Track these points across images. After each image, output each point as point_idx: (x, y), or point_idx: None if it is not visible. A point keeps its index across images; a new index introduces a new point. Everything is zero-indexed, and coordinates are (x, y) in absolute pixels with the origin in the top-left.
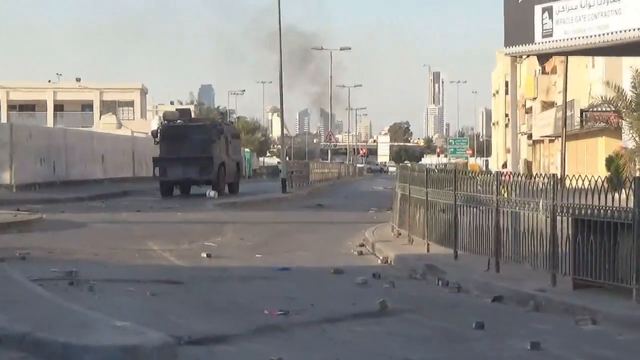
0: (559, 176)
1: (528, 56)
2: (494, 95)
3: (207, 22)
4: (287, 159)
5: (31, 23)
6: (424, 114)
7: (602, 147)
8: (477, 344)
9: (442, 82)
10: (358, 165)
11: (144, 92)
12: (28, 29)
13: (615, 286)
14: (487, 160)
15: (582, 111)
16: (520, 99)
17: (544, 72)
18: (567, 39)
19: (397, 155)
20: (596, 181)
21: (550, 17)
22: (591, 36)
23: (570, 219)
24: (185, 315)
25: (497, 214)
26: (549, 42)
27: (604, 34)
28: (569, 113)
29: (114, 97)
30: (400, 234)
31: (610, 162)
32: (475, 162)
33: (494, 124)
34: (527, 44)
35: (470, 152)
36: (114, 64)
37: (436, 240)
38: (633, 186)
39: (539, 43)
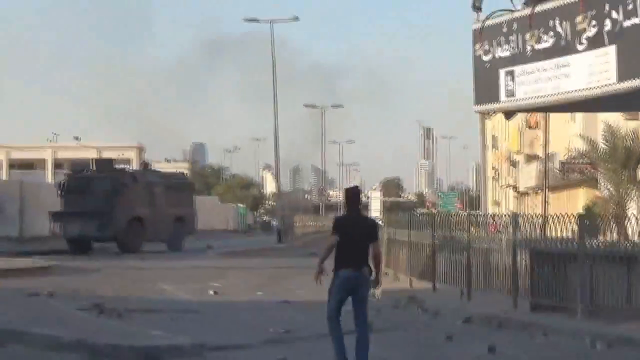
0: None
1: (495, 113)
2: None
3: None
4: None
5: (33, 83)
6: (414, 170)
7: (583, 197)
8: (444, 349)
9: (435, 139)
10: None
11: (141, 150)
12: (30, 89)
13: (564, 306)
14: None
15: (561, 163)
16: (506, 152)
17: (529, 126)
18: (527, 98)
19: (390, 210)
20: (552, 218)
21: (512, 79)
22: (546, 96)
23: (528, 251)
24: (203, 333)
25: (468, 250)
26: (512, 100)
27: (556, 94)
28: (550, 165)
29: (111, 155)
30: (386, 274)
31: (588, 210)
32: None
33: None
34: (493, 103)
35: (460, 205)
36: (113, 123)
37: (418, 276)
38: (577, 222)
39: (503, 102)
